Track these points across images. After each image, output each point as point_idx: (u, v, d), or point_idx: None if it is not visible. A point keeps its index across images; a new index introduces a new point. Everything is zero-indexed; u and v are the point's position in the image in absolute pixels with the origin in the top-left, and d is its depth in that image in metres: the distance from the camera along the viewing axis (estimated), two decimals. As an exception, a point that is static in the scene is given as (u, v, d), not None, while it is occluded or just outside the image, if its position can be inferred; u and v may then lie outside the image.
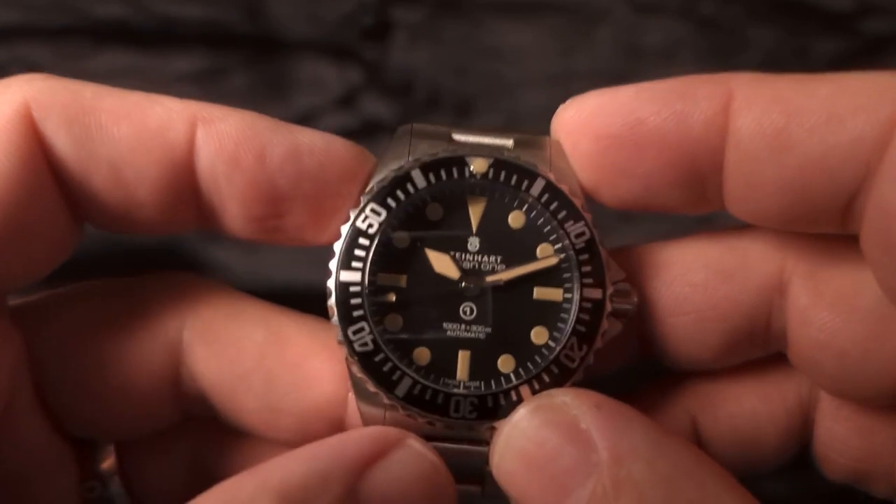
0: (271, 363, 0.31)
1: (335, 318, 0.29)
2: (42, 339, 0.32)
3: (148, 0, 0.60)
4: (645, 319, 0.31)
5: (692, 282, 0.30)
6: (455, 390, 0.29)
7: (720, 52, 0.60)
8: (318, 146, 0.29)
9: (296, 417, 0.31)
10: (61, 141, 0.28)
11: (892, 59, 0.60)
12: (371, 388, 0.29)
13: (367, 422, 0.30)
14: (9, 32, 0.59)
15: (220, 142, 0.28)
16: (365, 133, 0.60)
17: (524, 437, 0.27)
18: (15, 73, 0.58)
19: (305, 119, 0.59)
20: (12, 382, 0.30)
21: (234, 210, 0.30)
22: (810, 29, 0.60)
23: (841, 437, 0.33)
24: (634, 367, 0.34)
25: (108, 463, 0.35)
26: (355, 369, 0.29)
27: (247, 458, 0.35)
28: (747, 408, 0.33)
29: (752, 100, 0.27)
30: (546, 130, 0.32)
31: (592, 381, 0.29)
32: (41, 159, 0.28)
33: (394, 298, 0.30)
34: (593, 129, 0.29)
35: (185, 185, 0.29)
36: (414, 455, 0.27)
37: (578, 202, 0.30)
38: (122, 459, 0.35)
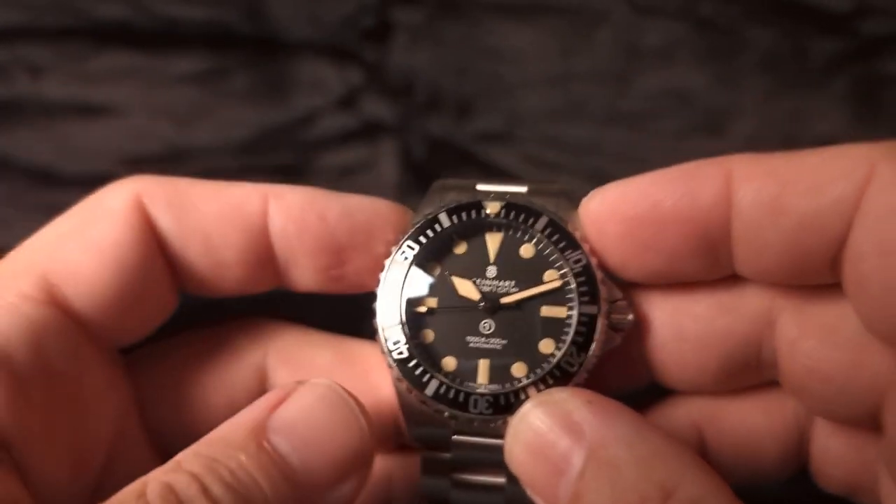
0: (340, 376, 0.36)
1: (379, 333, 0.35)
2: (150, 380, 0.38)
3: (149, 1, 0.60)
4: (651, 345, 0.36)
5: (694, 313, 0.35)
6: (476, 391, 0.34)
7: (718, 53, 0.60)
8: (365, 205, 0.37)
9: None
10: (165, 220, 0.36)
11: (889, 59, 0.60)
12: (406, 389, 0.35)
13: (407, 415, 0.36)
14: (9, 33, 0.59)
15: (288, 209, 0.36)
16: (365, 134, 0.60)
17: (528, 428, 0.31)
18: (16, 73, 0.58)
19: (306, 120, 0.59)
20: (122, 416, 0.37)
21: (305, 263, 0.36)
22: (808, 30, 0.60)
23: (835, 451, 0.36)
24: (647, 387, 0.37)
25: None
26: (394, 374, 0.35)
27: None
28: (749, 423, 0.37)
29: (750, 174, 0.32)
30: (554, 167, 0.36)
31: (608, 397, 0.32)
32: (150, 234, 0.36)
33: (426, 315, 0.36)
34: (618, 214, 0.34)
35: (262, 247, 0.36)
36: (312, 385, 0.33)
37: (578, 235, 0.35)
38: None
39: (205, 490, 0.28)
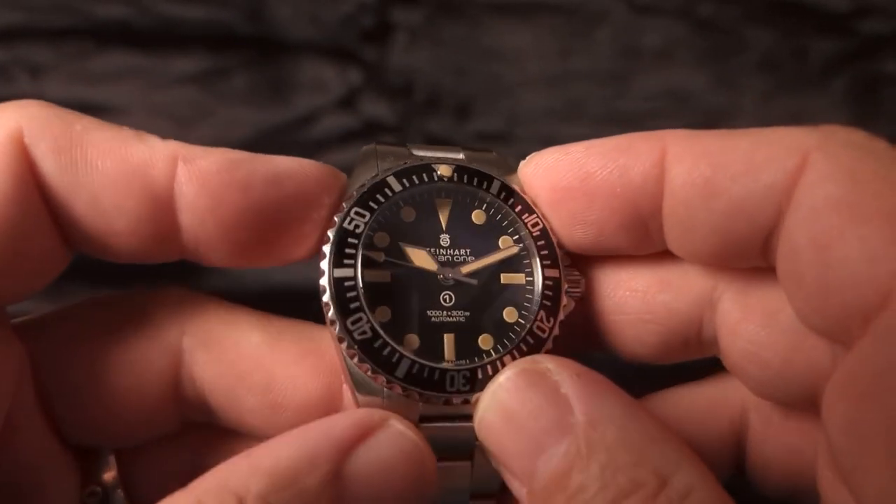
0: (269, 362, 0.33)
1: (332, 313, 0.31)
2: (45, 351, 0.33)
3: (149, 1, 0.60)
4: (592, 314, 0.35)
5: (634, 287, 0.34)
6: (448, 367, 0.31)
7: (718, 53, 0.60)
8: (294, 170, 0.32)
9: (294, 412, 0.33)
10: (48, 167, 0.30)
11: (888, 58, 0.60)
12: (371, 373, 0.31)
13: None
14: (10, 33, 0.60)
15: (203, 178, 0.30)
16: (365, 134, 0.60)
17: (508, 395, 0.29)
18: (16, 73, 0.59)
19: (307, 120, 0.60)
20: (14, 391, 0.32)
21: (218, 241, 0.31)
22: (808, 29, 0.60)
23: (770, 456, 0.36)
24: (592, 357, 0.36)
25: (110, 474, 0.36)
26: (355, 359, 0.31)
27: None
28: (684, 433, 0.36)
29: (683, 154, 0.31)
30: (493, 146, 0.37)
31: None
32: (31, 181, 0.30)
33: (381, 290, 0.32)
34: (550, 182, 0.33)
35: (163, 219, 0.31)
36: (396, 435, 0.29)
37: (530, 199, 0.34)
38: (122, 469, 0.36)
39: None
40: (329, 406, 0.33)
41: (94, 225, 0.31)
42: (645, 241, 0.33)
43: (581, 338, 0.36)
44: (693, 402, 0.37)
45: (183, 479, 0.37)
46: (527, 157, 0.34)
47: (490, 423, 0.29)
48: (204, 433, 0.37)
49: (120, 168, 0.30)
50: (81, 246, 0.32)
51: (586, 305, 0.35)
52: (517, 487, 0.29)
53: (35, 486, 0.34)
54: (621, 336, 0.35)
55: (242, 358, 0.33)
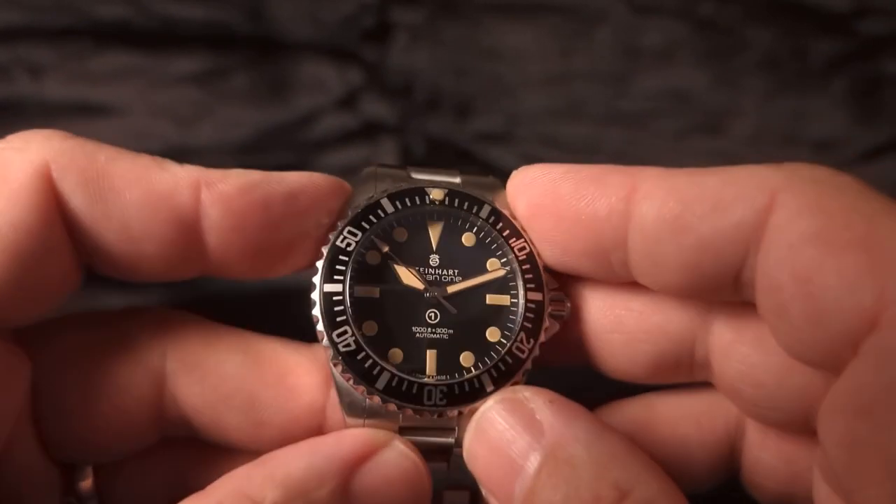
0: (251, 383, 0.35)
1: (320, 325, 0.33)
2: (36, 367, 0.34)
3: (149, 1, 0.60)
4: (586, 332, 0.36)
5: (630, 307, 0.35)
6: (427, 381, 0.33)
7: (718, 53, 0.60)
8: (306, 184, 0.34)
9: (278, 429, 0.34)
10: (77, 200, 0.31)
11: (889, 59, 0.60)
12: (353, 384, 0.33)
13: (348, 424, 0.34)
14: (10, 33, 0.60)
15: (227, 200, 0.32)
16: (365, 134, 0.60)
17: (490, 424, 0.31)
18: (17, 73, 0.59)
19: (306, 120, 0.60)
20: (20, 409, 0.33)
21: (243, 257, 0.33)
22: (808, 29, 0.60)
23: (766, 464, 0.37)
24: (580, 377, 0.37)
25: (86, 483, 0.37)
26: (339, 369, 0.33)
27: (226, 472, 0.36)
28: (680, 434, 0.37)
29: (653, 191, 0.32)
30: (490, 171, 0.38)
31: (541, 379, 0.34)
32: (56, 214, 0.31)
33: (369, 305, 0.34)
34: (527, 198, 0.35)
35: (191, 241, 0.33)
36: (399, 455, 0.32)
37: (518, 224, 0.35)
38: (100, 479, 0.37)
39: None
40: (312, 422, 0.35)
41: (123, 251, 0.32)
42: (608, 271, 0.34)
43: (572, 354, 0.37)
44: (690, 404, 0.38)
45: (162, 491, 0.38)
46: (518, 169, 0.35)
47: (475, 452, 0.31)
48: (184, 446, 0.37)
49: (147, 197, 0.32)
50: (107, 270, 0.34)
51: (580, 323, 0.36)
52: None
53: (22, 501, 0.34)
54: (614, 355, 0.36)
55: (225, 380, 0.35)
